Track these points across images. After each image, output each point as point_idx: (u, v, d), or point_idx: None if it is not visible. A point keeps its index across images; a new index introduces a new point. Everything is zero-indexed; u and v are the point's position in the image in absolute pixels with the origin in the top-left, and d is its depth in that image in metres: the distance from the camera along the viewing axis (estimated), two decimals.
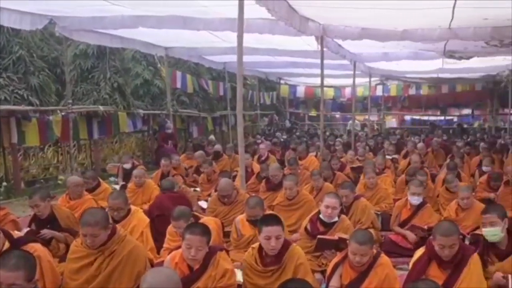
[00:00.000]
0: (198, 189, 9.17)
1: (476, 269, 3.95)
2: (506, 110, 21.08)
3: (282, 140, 17.51)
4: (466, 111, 26.73)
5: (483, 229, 4.44)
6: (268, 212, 5.65)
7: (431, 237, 4.13)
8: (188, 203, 6.42)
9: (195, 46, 12.88)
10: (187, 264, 3.92)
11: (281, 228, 4.17)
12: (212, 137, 16.39)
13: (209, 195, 8.19)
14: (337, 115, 28.74)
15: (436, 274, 3.95)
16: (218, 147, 12.03)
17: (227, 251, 4.44)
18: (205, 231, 3.96)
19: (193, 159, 11.06)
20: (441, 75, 18.69)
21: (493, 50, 11.52)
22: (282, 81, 24.75)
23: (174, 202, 6.03)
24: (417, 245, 5.79)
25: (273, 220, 4.20)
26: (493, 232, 4.36)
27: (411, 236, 6.26)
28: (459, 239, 3.98)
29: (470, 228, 6.31)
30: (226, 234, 5.75)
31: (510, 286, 4.13)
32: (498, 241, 4.39)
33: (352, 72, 14.15)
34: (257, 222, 4.61)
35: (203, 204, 7.68)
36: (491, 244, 4.45)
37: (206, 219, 5.27)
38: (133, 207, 5.48)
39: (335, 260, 4.31)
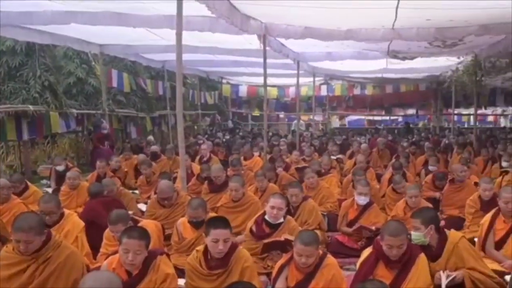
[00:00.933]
0: (137, 191, 9.15)
1: (423, 268, 4.10)
2: (450, 110, 21.84)
3: (224, 140, 17.59)
4: (411, 111, 27.46)
5: (411, 232, 4.54)
6: (212, 214, 5.68)
7: (378, 237, 4.25)
8: (122, 206, 6.35)
9: (132, 43, 12.77)
10: (125, 269, 3.88)
11: (229, 231, 4.21)
12: (150, 137, 16.25)
13: (148, 198, 8.16)
14: (281, 115, 29.03)
15: (383, 274, 4.08)
16: (155, 147, 11.99)
17: (168, 255, 4.41)
18: (143, 234, 3.94)
19: (131, 160, 11.02)
20: (385, 75, 19.18)
21: (436, 51, 11.96)
22: (224, 80, 24.80)
23: (106, 207, 5.97)
24: (364, 245, 6.00)
25: (222, 223, 4.23)
26: (416, 237, 4.46)
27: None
28: (407, 239, 4.12)
29: None
30: (167, 238, 5.75)
31: (443, 281, 4.27)
32: (422, 244, 4.47)
33: (295, 72, 14.40)
34: (199, 224, 4.66)
35: (142, 207, 7.66)
36: (422, 246, 4.53)
37: (145, 222, 5.24)
38: (66, 211, 5.41)
39: (280, 261, 4.37)
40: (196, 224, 5.25)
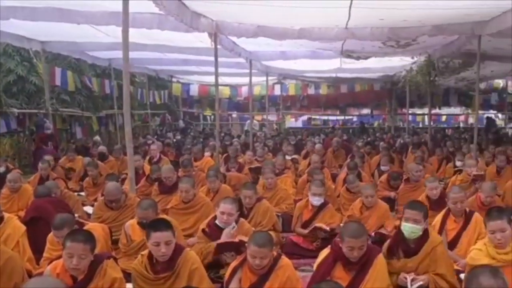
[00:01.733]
0: (82, 193, 9.06)
1: (381, 269, 4.22)
2: (405, 110, 22.33)
3: (175, 140, 17.53)
4: (365, 111, 27.94)
5: (404, 224, 4.64)
6: (162, 216, 5.67)
7: (337, 238, 4.34)
8: (68, 208, 6.32)
9: (76, 40, 12.53)
10: (70, 274, 3.85)
11: (171, 233, 4.18)
12: (97, 138, 16.06)
13: (95, 200, 8.10)
14: (234, 114, 29.08)
15: (341, 275, 4.17)
16: (102, 148, 11.91)
17: (116, 259, 4.41)
18: (88, 238, 3.92)
19: (76, 161, 10.90)
20: (339, 75, 19.43)
21: (390, 51, 12.25)
22: (174, 79, 24.63)
23: (54, 205, 5.96)
24: (319, 246, 6.12)
25: (162, 225, 4.22)
26: (414, 229, 4.59)
27: None
28: (367, 240, 4.23)
29: (374, 226, 6.77)
30: (115, 241, 5.71)
31: (409, 286, 4.42)
32: (414, 238, 4.65)
33: (248, 71, 14.44)
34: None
35: (89, 209, 7.58)
36: (403, 239, 4.70)
37: (91, 226, 5.22)
38: (6, 215, 5.35)
39: (234, 263, 4.39)
40: (145, 226, 5.16)
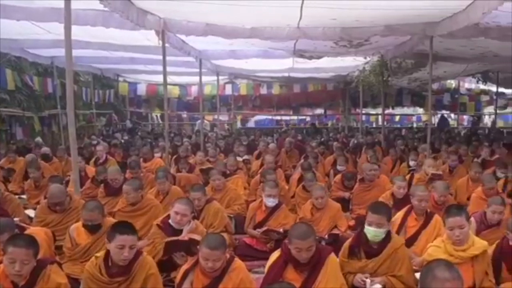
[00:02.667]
0: (24, 196, 8.92)
1: (333, 269, 4.34)
2: (358, 110, 22.63)
3: (122, 141, 17.39)
4: (319, 110, 28.19)
5: (367, 227, 4.77)
6: (109, 219, 5.67)
7: (286, 240, 4.41)
8: (5, 212, 6.26)
9: (15, 37, 12.16)
10: (11, 280, 3.84)
11: (136, 237, 4.25)
12: (39, 139, 15.78)
13: (37, 203, 7.97)
14: (184, 114, 28.96)
15: (292, 276, 4.26)
16: (46, 149, 11.72)
17: (60, 264, 4.39)
18: (31, 242, 3.90)
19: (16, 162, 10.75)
20: (292, 75, 19.67)
21: (342, 51, 12.46)
22: (120, 78, 24.41)
23: None
24: (273, 248, 6.23)
25: (129, 228, 4.27)
26: (377, 233, 4.73)
27: None
28: (315, 241, 4.32)
29: (327, 228, 6.92)
30: (59, 246, 5.67)
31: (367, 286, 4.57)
32: (377, 241, 4.80)
33: (198, 70, 14.49)
34: (94, 228, 4.64)
35: (31, 213, 7.45)
36: (365, 240, 4.84)
37: (33, 230, 5.17)
38: None
39: (185, 266, 4.43)
40: (91, 228, 5.22)
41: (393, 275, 4.70)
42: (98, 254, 4.38)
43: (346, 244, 4.98)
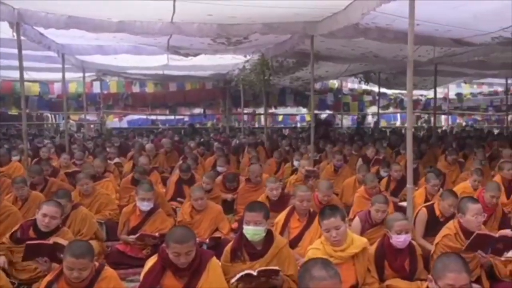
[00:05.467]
0: None
1: (215, 274, 4.35)
2: (240, 110, 23.05)
3: None
4: (198, 110, 28.27)
5: (246, 227, 4.88)
6: None
7: (163, 244, 4.35)
8: None
9: None
10: None
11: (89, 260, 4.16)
12: None
13: None
14: (47, 113, 27.94)
15: (172, 283, 4.23)
16: None
17: None
18: None
19: None
20: (167, 72, 19.55)
21: (221, 48, 12.52)
22: None
23: None
24: (150, 254, 6.18)
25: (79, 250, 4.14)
26: (256, 231, 4.86)
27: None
28: (195, 245, 4.26)
29: (208, 231, 7.00)
30: None
31: None
32: (258, 240, 4.88)
33: (61, 66, 14.11)
34: None
35: None
36: (247, 241, 4.91)
37: None
38: None
39: (48, 277, 4.31)
40: None
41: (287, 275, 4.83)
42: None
43: (228, 247, 5.07)
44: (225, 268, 4.81)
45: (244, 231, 4.91)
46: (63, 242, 4.92)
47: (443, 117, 31.14)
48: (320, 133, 17.84)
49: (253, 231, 4.85)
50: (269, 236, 4.95)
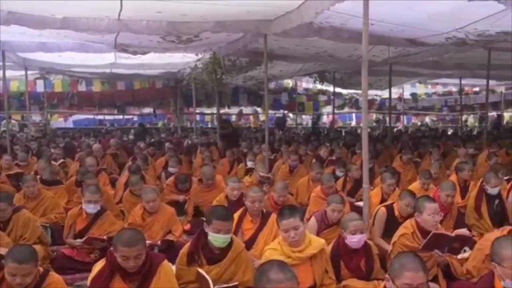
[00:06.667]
0: None
1: (166, 278, 4.31)
2: (192, 109, 23.01)
3: None
4: (148, 110, 28.11)
5: (215, 235, 4.89)
6: None
7: (112, 247, 4.30)
8: None
9: None
10: None
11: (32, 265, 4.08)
12: None
13: None
14: None
15: (121, 287, 4.17)
16: None
17: None
18: None
19: None
20: (115, 71, 19.34)
21: (171, 46, 12.43)
22: None
23: None
24: (98, 258, 6.13)
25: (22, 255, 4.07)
26: (226, 240, 4.94)
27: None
28: (145, 248, 4.23)
29: (160, 233, 6.95)
30: None
31: None
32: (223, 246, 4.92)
33: (1, 63, 13.93)
34: None
35: None
36: (205, 245, 4.95)
37: None
38: None
39: None
40: None
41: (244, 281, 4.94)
42: None
43: (184, 250, 5.09)
44: (180, 272, 4.89)
45: (212, 239, 4.92)
46: (2, 250, 4.87)
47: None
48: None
49: (223, 240, 4.91)
50: None
